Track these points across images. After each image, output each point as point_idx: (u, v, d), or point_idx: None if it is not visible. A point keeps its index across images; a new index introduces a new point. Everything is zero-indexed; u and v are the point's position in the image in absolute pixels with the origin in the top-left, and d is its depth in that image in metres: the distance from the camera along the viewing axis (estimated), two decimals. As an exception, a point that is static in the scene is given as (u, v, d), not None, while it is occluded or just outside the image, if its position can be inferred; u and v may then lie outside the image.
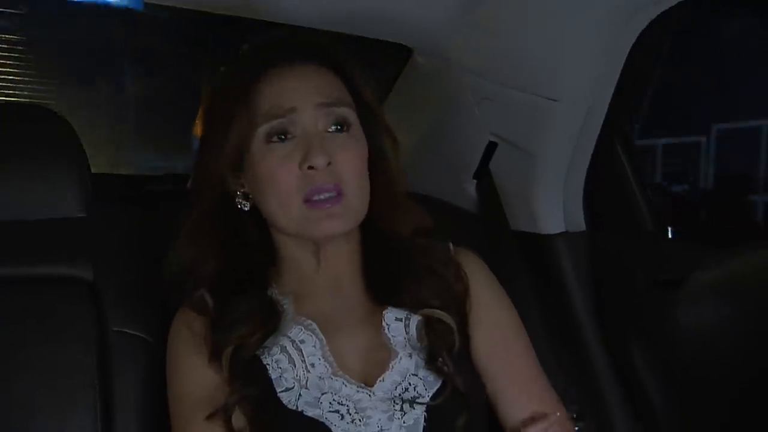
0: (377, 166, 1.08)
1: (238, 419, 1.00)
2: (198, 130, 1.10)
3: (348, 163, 1.03)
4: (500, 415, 1.08)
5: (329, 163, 1.01)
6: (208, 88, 1.10)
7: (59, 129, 1.26)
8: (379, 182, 1.07)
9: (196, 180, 1.08)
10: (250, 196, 1.06)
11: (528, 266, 1.48)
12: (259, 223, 1.09)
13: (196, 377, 1.03)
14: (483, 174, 1.52)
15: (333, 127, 1.03)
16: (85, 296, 1.20)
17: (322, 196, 1.01)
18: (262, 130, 1.02)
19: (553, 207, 1.45)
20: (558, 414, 1.06)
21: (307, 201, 1.01)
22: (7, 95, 2.32)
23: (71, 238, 1.23)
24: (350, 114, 1.05)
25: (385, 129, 1.09)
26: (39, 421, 1.12)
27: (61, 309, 1.18)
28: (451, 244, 1.13)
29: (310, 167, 1.00)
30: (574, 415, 1.36)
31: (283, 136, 1.02)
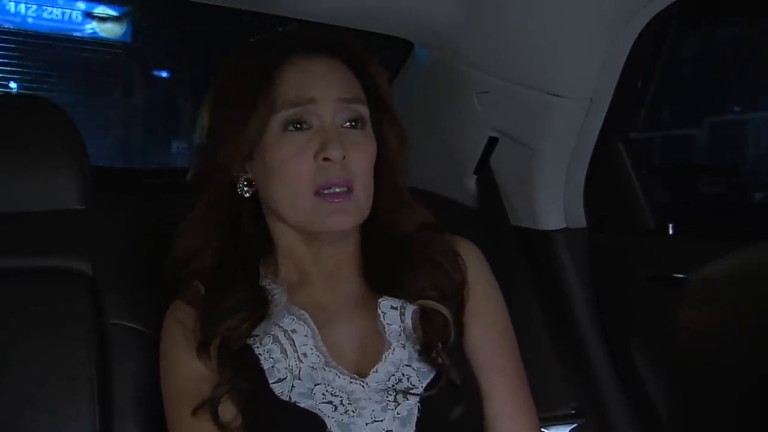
0: (384, 165, 1.08)
1: (228, 412, 1.00)
2: (206, 117, 1.09)
3: (360, 159, 1.03)
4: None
5: (344, 158, 1.01)
6: (217, 79, 1.09)
7: (58, 121, 1.25)
8: (384, 180, 1.07)
9: (204, 169, 1.07)
10: (254, 183, 1.06)
11: (528, 262, 1.48)
12: (256, 213, 1.09)
13: (185, 370, 1.03)
14: (483, 169, 1.51)
15: (348, 123, 1.03)
16: (84, 289, 1.19)
17: (333, 190, 1.01)
18: (280, 117, 1.02)
19: (554, 203, 1.45)
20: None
21: (318, 193, 1.01)
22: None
23: (70, 230, 1.23)
24: (365, 112, 1.05)
25: (397, 130, 1.09)
26: (38, 413, 1.12)
27: (60, 301, 1.17)
28: (449, 234, 1.13)
29: (326, 159, 1.00)
30: (573, 411, 1.37)
31: (299, 125, 1.02)
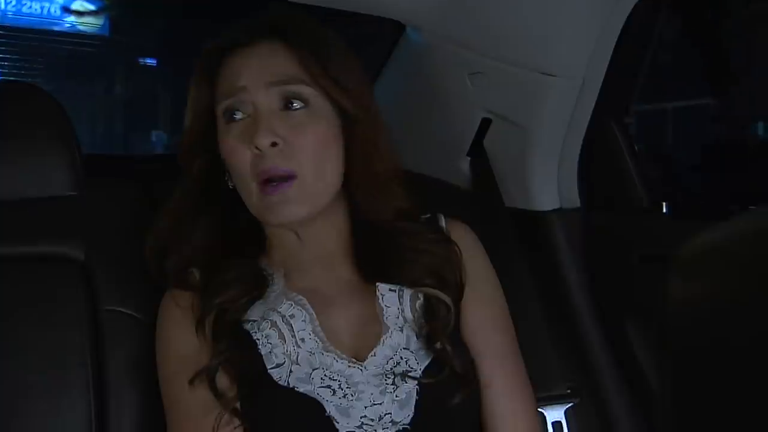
0: (353, 148, 1.04)
1: (224, 383, 0.99)
2: None
3: (302, 142, 1.00)
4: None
5: (274, 144, 0.99)
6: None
7: (48, 107, 1.24)
8: (357, 164, 1.04)
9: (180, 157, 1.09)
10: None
11: (522, 243, 1.47)
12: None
13: (182, 347, 1.03)
14: (477, 151, 1.51)
15: (292, 105, 1.01)
16: (77, 275, 1.19)
17: (275, 183, 0.99)
18: (220, 108, 1.03)
19: (548, 183, 1.45)
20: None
21: (261, 184, 1.00)
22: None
23: (62, 216, 1.22)
24: (307, 91, 1.01)
25: (361, 109, 1.04)
26: (32, 400, 1.12)
27: (53, 288, 1.17)
28: (442, 216, 1.12)
29: (257, 148, 0.99)
30: (568, 391, 1.37)
31: (237, 115, 1.02)
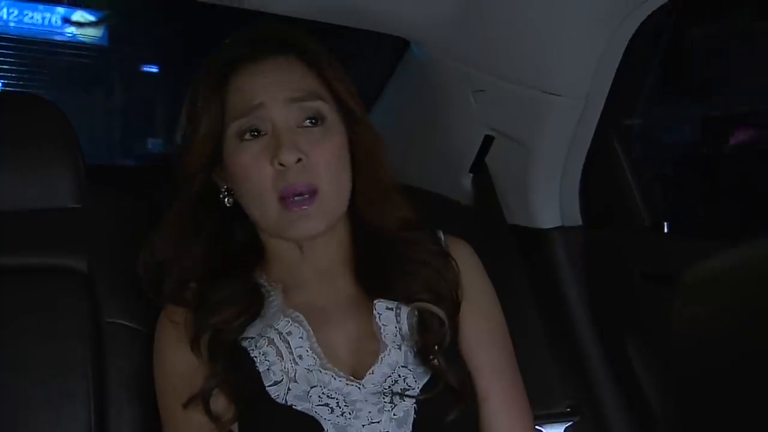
0: (359, 160, 1.06)
1: (220, 405, 0.99)
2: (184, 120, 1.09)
3: (322, 158, 1.00)
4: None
5: (300, 160, 0.99)
6: (192, 82, 1.09)
7: (52, 118, 1.25)
8: (362, 176, 1.06)
9: (176, 176, 1.07)
10: (233, 193, 1.06)
11: (524, 260, 1.48)
12: (244, 217, 1.08)
13: (179, 365, 1.03)
14: (479, 168, 1.51)
15: (307, 122, 1.02)
16: (80, 287, 1.19)
17: (295, 199, 0.99)
18: (234, 127, 1.01)
19: (550, 201, 1.45)
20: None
21: (282, 200, 1.00)
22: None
23: (66, 228, 1.22)
24: (324, 107, 1.03)
25: (363, 121, 1.07)
26: (33, 411, 1.12)
27: (55, 299, 1.17)
28: (441, 233, 1.12)
29: (281, 164, 0.99)
30: (569, 409, 1.37)
31: (255, 133, 1.01)
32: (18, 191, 1.22)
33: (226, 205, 1.06)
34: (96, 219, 1.25)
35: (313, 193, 1.00)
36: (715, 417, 0.69)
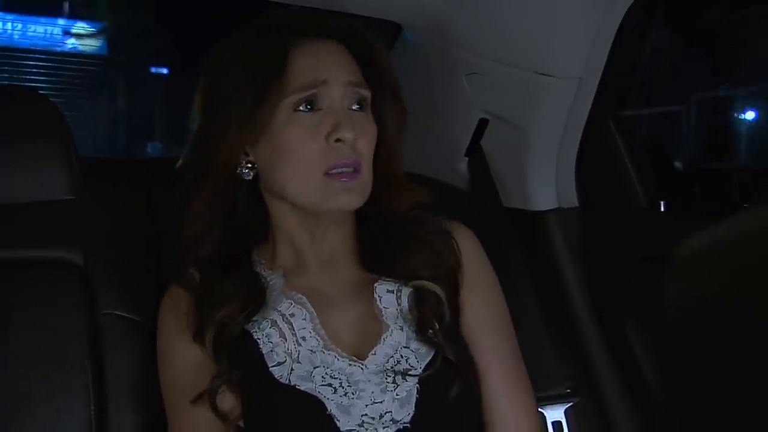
0: (381, 148, 1.08)
1: (227, 401, 1.00)
2: (201, 103, 1.07)
3: (366, 142, 1.04)
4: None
5: (355, 138, 1.02)
6: (216, 62, 1.07)
7: (45, 111, 1.24)
8: (382, 163, 1.08)
9: (206, 156, 1.05)
10: (256, 166, 1.05)
11: (521, 243, 1.48)
12: (252, 198, 1.08)
13: (182, 360, 1.04)
14: (475, 151, 1.51)
15: (355, 106, 1.05)
16: (76, 279, 1.19)
17: (342, 170, 1.01)
18: (292, 99, 1.02)
19: (546, 183, 1.45)
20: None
21: (327, 173, 1.01)
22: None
23: (60, 221, 1.22)
24: (369, 96, 1.07)
25: (397, 114, 1.11)
26: (32, 405, 1.12)
27: (51, 292, 1.17)
28: (443, 218, 1.13)
29: (338, 140, 1.01)
30: (568, 390, 1.37)
31: (309, 107, 1.03)
32: (12, 184, 1.21)
33: (245, 178, 1.05)
34: (91, 211, 1.25)
35: (357, 169, 1.02)
36: (711, 396, 0.69)
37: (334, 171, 1.01)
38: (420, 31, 1.47)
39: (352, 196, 1.02)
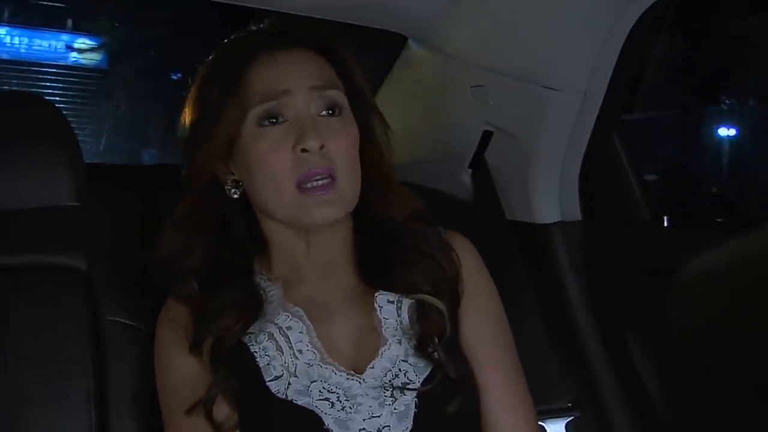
0: (369, 152, 1.07)
1: (222, 411, 0.99)
2: (186, 118, 1.08)
3: (340, 147, 1.01)
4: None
5: (322, 147, 1.00)
6: (197, 76, 1.08)
7: (51, 117, 1.25)
8: (371, 167, 1.07)
9: (187, 170, 1.07)
10: (241, 184, 1.05)
11: (523, 256, 1.48)
12: (246, 212, 1.08)
13: (179, 370, 1.03)
14: (478, 163, 1.51)
15: (325, 111, 1.03)
16: (79, 285, 1.19)
17: (315, 183, 0.99)
18: (254, 113, 1.01)
19: (549, 196, 1.45)
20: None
21: (300, 186, 1.00)
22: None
23: (64, 227, 1.22)
24: (341, 98, 1.04)
25: (376, 114, 1.09)
26: (33, 410, 1.12)
27: (55, 298, 1.17)
28: (441, 228, 1.12)
29: (303, 150, 0.99)
30: (569, 404, 1.37)
31: (274, 120, 1.01)
32: (17, 190, 1.22)
33: (232, 196, 1.06)
34: (95, 217, 1.25)
35: (331, 179, 1.00)
36: (713, 412, 0.69)
37: (308, 185, 0.99)
38: (425, 43, 1.48)
39: (329, 208, 1.00)
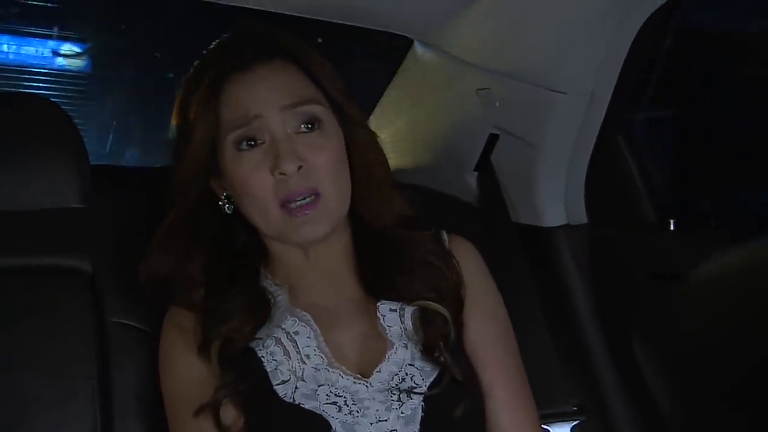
0: (355, 160, 1.06)
1: (229, 415, 0.99)
2: (174, 124, 1.08)
3: (321, 162, 1.01)
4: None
5: (300, 167, 0.99)
6: (182, 85, 1.07)
7: (57, 119, 1.25)
8: (359, 175, 1.06)
9: (171, 185, 1.06)
10: (233, 200, 1.06)
11: (529, 259, 1.47)
12: (247, 223, 1.08)
13: (185, 373, 1.03)
14: (484, 166, 1.51)
15: (303, 126, 1.02)
16: (84, 287, 1.19)
17: (299, 202, 0.99)
18: (231, 137, 1.01)
19: (555, 199, 1.45)
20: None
21: (284, 206, 1.00)
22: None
23: (70, 229, 1.23)
24: (319, 110, 1.03)
25: (357, 117, 1.07)
26: (38, 412, 1.12)
27: (60, 300, 1.18)
28: (444, 232, 1.12)
29: (282, 173, 0.99)
30: (575, 408, 1.36)
31: (252, 143, 1.01)
32: (22, 192, 1.22)
33: (226, 212, 1.06)
34: (100, 219, 1.25)
35: (315, 196, 1.00)
36: (720, 416, 0.68)
37: (292, 205, 0.99)
38: (431, 44, 1.48)
39: (315, 225, 1.00)
